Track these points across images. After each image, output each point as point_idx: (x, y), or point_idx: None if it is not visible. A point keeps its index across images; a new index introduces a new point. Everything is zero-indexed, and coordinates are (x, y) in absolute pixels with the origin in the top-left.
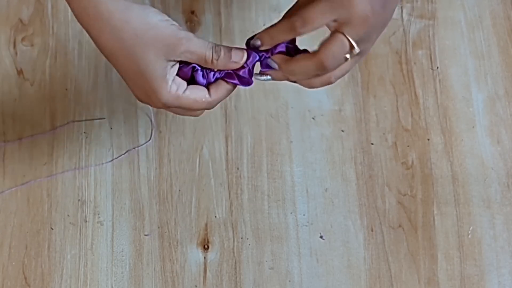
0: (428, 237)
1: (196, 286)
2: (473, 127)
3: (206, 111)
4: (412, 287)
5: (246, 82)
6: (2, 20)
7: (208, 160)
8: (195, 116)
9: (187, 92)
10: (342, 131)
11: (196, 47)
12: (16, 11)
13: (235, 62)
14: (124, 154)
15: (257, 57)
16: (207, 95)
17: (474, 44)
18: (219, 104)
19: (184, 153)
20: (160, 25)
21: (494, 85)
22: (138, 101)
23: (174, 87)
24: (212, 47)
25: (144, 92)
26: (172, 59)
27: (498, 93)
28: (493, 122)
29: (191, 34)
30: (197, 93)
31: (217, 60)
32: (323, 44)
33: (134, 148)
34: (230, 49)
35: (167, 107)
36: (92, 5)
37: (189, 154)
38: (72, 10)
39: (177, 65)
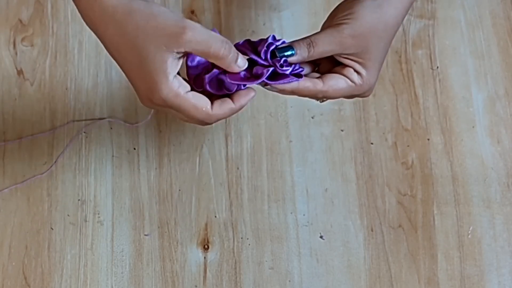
0: (428, 237)
1: (196, 286)
2: (473, 127)
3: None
4: (412, 287)
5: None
6: (2, 20)
7: (208, 159)
8: (195, 123)
9: (189, 94)
10: (342, 130)
11: (202, 37)
12: (16, 12)
13: (238, 67)
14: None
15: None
16: (209, 107)
17: (474, 44)
18: None
19: (184, 152)
20: (162, 15)
21: (494, 85)
22: (139, 102)
23: (176, 83)
24: (223, 41)
25: (145, 87)
26: (175, 50)
27: (498, 93)
28: (493, 122)
29: (197, 24)
30: (199, 100)
31: (226, 56)
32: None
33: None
34: (237, 52)
35: (167, 106)
36: (98, 2)
37: (189, 154)
38: (79, 10)
39: (181, 61)
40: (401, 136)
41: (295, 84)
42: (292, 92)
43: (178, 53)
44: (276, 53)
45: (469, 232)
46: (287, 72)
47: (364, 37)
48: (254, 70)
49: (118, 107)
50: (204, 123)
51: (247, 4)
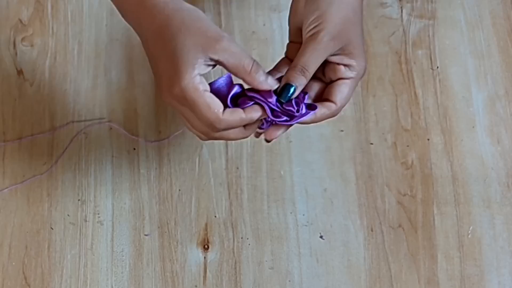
0: (428, 237)
1: (196, 286)
2: (473, 127)
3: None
4: (412, 287)
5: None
6: (2, 20)
7: (208, 159)
8: (201, 129)
9: (207, 93)
10: (342, 131)
11: (236, 49)
12: (16, 12)
13: (269, 85)
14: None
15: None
16: (221, 111)
17: (474, 43)
18: None
19: (184, 153)
20: (207, 21)
21: (494, 85)
22: (138, 103)
23: (198, 79)
24: (254, 59)
25: (169, 75)
26: (210, 55)
27: (498, 93)
28: (493, 122)
29: (233, 39)
30: (214, 101)
31: (255, 73)
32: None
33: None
34: (267, 73)
35: (183, 97)
36: None
37: (189, 154)
38: (122, 8)
39: (210, 68)
40: (401, 136)
41: (312, 116)
42: (312, 122)
43: (211, 59)
44: (281, 99)
45: (469, 232)
46: (304, 111)
47: (342, 33)
48: (275, 113)
49: (117, 108)
50: (211, 126)
51: (247, 4)
